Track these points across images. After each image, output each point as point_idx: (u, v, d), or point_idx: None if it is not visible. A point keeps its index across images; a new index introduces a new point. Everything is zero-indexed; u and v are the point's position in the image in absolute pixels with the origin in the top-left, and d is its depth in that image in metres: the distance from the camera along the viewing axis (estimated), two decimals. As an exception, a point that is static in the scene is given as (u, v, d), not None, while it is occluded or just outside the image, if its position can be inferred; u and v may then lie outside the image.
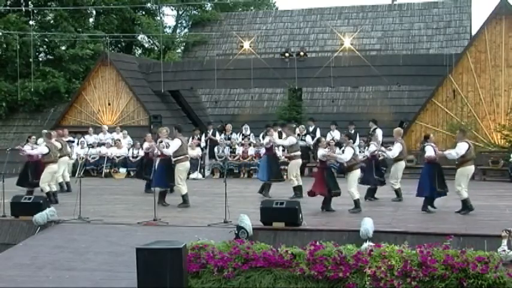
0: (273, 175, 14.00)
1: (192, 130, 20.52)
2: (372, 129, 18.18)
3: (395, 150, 13.18)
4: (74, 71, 26.61)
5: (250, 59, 22.80)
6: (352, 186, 11.87)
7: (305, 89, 23.86)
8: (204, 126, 23.55)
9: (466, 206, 11.48)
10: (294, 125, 19.06)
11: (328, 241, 8.39)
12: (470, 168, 11.65)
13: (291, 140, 13.84)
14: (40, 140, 15.93)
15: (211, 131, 19.69)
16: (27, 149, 13.95)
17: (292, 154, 13.90)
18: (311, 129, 18.87)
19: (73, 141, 19.61)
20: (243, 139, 19.17)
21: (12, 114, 26.39)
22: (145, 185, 15.16)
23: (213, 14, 29.58)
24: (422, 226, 10.35)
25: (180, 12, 34.31)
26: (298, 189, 13.61)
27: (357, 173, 12.09)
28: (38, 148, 13.86)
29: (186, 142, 13.09)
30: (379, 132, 16.77)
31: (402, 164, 13.35)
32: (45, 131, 17.64)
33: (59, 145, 14.44)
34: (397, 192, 13.25)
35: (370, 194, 13.36)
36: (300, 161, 14.04)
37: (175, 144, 12.74)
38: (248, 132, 19.49)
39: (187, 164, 13.01)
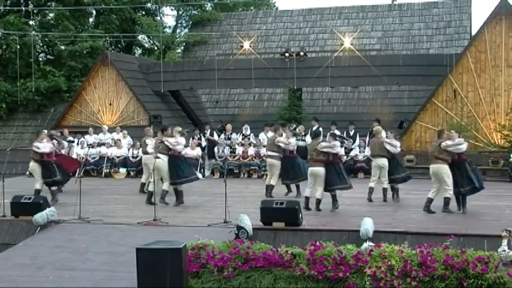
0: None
1: (192, 130, 20.52)
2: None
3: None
4: (72, 67, 26.62)
5: (250, 59, 22.78)
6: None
7: (305, 89, 23.86)
8: (204, 126, 23.56)
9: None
10: (294, 125, 19.10)
11: (328, 241, 8.38)
12: (431, 167, 11.66)
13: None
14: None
15: (209, 131, 19.65)
16: None
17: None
18: (314, 128, 18.76)
19: (73, 141, 19.62)
20: (243, 139, 19.16)
21: (12, 114, 26.41)
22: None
23: (213, 14, 29.59)
24: (422, 226, 10.35)
25: (180, 12, 34.32)
26: (269, 188, 13.86)
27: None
28: None
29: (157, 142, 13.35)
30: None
31: (374, 162, 13.23)
32: (45, 131, 17.67)
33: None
34: (383, 192, 13.13)
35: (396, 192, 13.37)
36: (274, 161, 13.97)
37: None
38: (248, 132, 19.46)
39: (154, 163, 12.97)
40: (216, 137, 19.41)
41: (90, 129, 20.73)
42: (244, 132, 19.48)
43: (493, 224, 10.31)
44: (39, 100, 25.65)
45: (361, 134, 18.79)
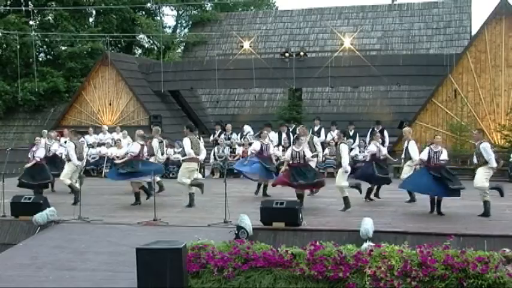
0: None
1: (193, 130, 20.45)
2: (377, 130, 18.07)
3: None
4: (71, 68, 26.60)
5: (251, 59, 22.80)
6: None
7: (305, 89, 23.88)
8: (204, 126, 23.56)
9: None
10: (294, 125, 19.05)
11: (328, 241, 8.38)
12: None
13: None
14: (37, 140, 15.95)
15: (219, 131, 19.49)
16: None
17: None
18: (316, 128, 18.68)
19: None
20: (243, 139, 19.12)
21: (12, 114, 26.41)
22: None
23: (213, 14, 29.62)
24: (422, 226, 10.34)
25: (180, 12, 34.33)
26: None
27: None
28: None
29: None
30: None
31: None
32: (45, 130, 17.66)
33: None
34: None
35: (369, 195, 13.34)
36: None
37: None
38: (251, 132, 19.38)
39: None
40: (222, 137, 19.30)
41: (90, 129, 20.71)
42: (244, 132, 19.43)
43: (493, 224, 10.32)
44: (38, 100, 25.64)
45: (361, 134, 18.78)
